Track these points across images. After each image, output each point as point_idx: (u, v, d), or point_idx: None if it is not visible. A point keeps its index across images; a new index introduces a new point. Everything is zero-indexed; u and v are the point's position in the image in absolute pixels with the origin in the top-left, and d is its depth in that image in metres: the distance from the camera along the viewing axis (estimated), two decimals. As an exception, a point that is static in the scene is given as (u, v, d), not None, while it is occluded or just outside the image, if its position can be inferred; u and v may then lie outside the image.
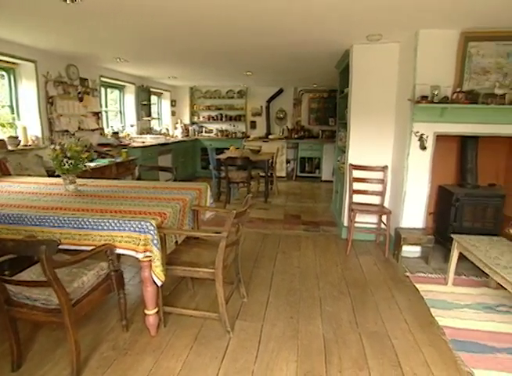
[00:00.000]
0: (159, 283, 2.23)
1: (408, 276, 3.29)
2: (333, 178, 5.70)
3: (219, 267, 2.30)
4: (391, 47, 3.97)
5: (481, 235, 3.12)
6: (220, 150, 7.31)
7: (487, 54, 3.40)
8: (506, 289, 2.39)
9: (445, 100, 3.34)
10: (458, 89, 3.37)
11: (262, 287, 3.08)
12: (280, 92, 8.81)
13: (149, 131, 7.68)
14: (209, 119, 9.15)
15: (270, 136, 8.72)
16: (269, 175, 6.77)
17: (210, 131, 9.23)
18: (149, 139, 6.90)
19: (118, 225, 2.20)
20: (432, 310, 2.72)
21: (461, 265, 3.16)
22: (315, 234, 4.51)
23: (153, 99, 8.11)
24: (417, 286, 3.09)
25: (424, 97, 3.37)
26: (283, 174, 8.50)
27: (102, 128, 5.92)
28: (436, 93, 3.35)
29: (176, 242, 2.76)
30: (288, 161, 8.67)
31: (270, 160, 6.75)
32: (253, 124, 9.23)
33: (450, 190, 3.66)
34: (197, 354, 2.22)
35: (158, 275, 2.20)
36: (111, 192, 2.95)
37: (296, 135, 8.71)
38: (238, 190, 6.79)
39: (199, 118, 9.23)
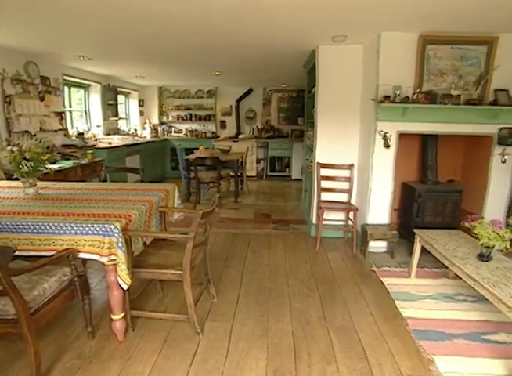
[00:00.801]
0: (125, 287, 2.18)
1: (374, 271, 3.40)
2: (303, 177, 5.78)
3: (187, 268, 2.28)
4: (356, 48, 4.07)
5: (442, 228, 3.27)
6: (190, 150, 7.23)
7: (443, 57, 3.57)
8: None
9: (406, 100, 3.47)
10: (418, 90, 3.51)
11: (232, 287, 3.09)
12: (250, 91, 8.83)
13: (117, 131, 7.48)
14: (178, 119, 9.03)
15: (240, 136, 8.72)
16: (239, 174, 6.78)
17: (180, 131, 9.11)
18: (116, 140, 6.72)
19: (81, 228, 2.13)
20: (397, 302, 2.82)
21: (424, 258, 3.29)
22: (285, 232, 4.56)
23: (120, 98, 7.90)
24: (383, 280, 3.20)
25: (387, 97, 3.49)
26: (254, 173, 8.54)
27: (66, 129, 5.69)
28: (398, 93, 3.47)
29: (144, 243, 2.71)
30: (258, 161, 8.71)
31: (240, 160, 6.77)
32: (223, 124, 9.19)
33: (413, 187, 3.81)
34: (166, 357, 2.19)
35: (124, 278, 2.15)
36: (74, 195, 2.85)
37: (266, 135, 8.76)
38: (208, 191, 6.76)
39: (168, 118, 9.08)
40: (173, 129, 9.14)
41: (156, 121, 8.97)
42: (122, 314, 2.30)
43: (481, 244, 2.50)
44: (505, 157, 3.68)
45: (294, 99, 8.87)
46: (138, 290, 2.88)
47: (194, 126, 9.09)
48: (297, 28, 3.46)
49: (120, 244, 2.10)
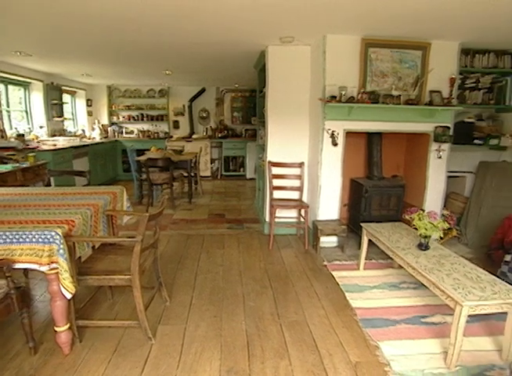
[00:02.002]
0: (68, 296, 2.07)
1: (325, 265, 3.52)
2: (256, 176, 5.84)
3: (135, 272, 2.21)
4: (303, 49, 4.17)
5: (387, 221, 3.46)
6: (142, 151, 7.01)
7: (384, 59, 3.76)
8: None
9: (351, 100, 3.62)
10: (362, 90, 3.68)
11: (185, 289, 3.05)
12: (203, 91, 8.76)
13: (63, 132, 7.06)
14: (129, 119, 8.72)
15: (194, 136, 8.62)
16: (193, 175, 6.71)
17: (132, 131, 8.81)
18: (61, 142, 6.34)
19: (17, 237, 1.99)
20: (346, 294, 2.94)
21: (372, 251, 3.47)
22: (239, 231, 4.58)
23: (66, 97, 7.47)
24: (333, 273, 3.32)
25: (333, 97, 3.62)
26: (208, 173, 8.49)
27: (4, 130, 5.28)
28: (343, 93, 3.61)
29: (93, 247, 2.60)
30: (212, 161, 8.67)
31: (193, 160, 6.69)
32: (176, 124, 9.02)
33: (360, 183, 3.98)
34: (116, 367, 2.11)
35: (67, 287, 2.04)
36: (11, 201, 2.66)
37: (220, 135, 8.73)
38: (162, 192, 6.60)
39: (118, 118, 8.73)
40: (124, 130, 8.82)
41: (105, 121, 8.60)
42: (67, 325, 2.18)
43: (420, 235, 2.68)
44: (440, 153, 3.96)
45: (247, 98, 8.92)
46: (85, 298, 2.74)
47: (146, 126, 8.83)
48: (245, 28, 3.48)
49: (61, 252, 1.99)
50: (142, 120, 8.74)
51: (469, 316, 2.04)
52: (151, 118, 8.77)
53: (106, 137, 8.28)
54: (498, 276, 2.83)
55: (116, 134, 8.65)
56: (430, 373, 2.07)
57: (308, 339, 2.38)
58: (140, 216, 2.22)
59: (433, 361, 2.17)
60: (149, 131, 8.81)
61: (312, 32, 3.62)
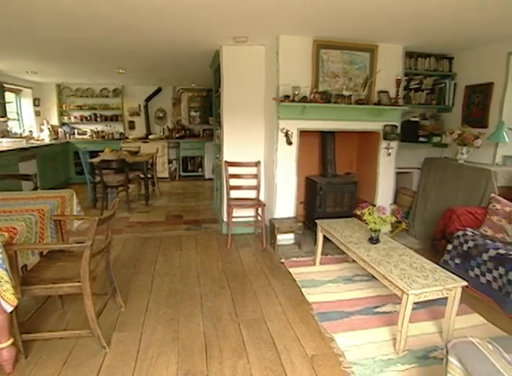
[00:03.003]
0: (9, 309, 1.93)
1: (283, 263, 3.57)
2: (214, 176, 5.81)
3: (86, 279, 2.12)
4: (258, 49, 4.20)
5: (341, 218, 3.58)
6: (95, 153, 6.73)
7: (335, 60, 3.89)
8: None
9: (304, 100, 3.70)
10: (315, 90, 3.77)
11: (141, 293, 2.97)
12: (159, 91, 8.56)
13: (6, 134, 6.59)
14: (82, 119, 8.30)
15: (150, 136, 8.40)
16: (150, 176, 6.54)
17: (84, 132, 8.39)
18: (5, 143, 5.94)
19: None
20: (303, 290, 3.01)
21: (328, 246, 3.57)
22: (197, 232, 4.54)
23: (10, 96, 6.96)
24: (291, 270, 3.38)
25: (287, 97, 3.68)
26: (166, 174, 8.32)
27: None
28: (297, 93, 3.68)
29: (41, 254, 2.46)
30: (170, 161, 8.51)
31: (150, 161, 6.53)
32: (131, 125, 8.73)
33: (315, 180, 4.09)
34: (65, 379, 2.01)
35: (8, 299, 1.90)
36: None
37: (177, 135, 8.58)
38: (117, 195, 6.38)
39: (70, 119, 8.27)
40: (76, 131, 8.39)
41: (55, 122, 8.12)
42: (9, 341, 2.04)
43: (370, 229, 2.79)
44: (389, 151, 4.17)
45: (205, 98, 8.84)
46: (31, 309, 2.59)
47: (100, 127, 8.46)
48: (198, 27, 3.44)
49: (0, 262, 1.86)
50: (96, 120, 8.36)
51: (415, 303, 2.17)
52: (105, 119, 8.42)
53: (56, 138, 7.84)
54: (441, 265, 3.05)
55: (67, 135, 8.20)
56: (380, 360, 2.18)
57: (266, 336, 2.41)
58: (89, 220, 2.13)
59: (383, 348, 2.29)
60: (103, 132, 8.45)
61: (266, 33, 3.66)
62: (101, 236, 2.45)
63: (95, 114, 8.35)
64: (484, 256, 2.95)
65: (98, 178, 5.58)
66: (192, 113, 8.96)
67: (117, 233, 4.43)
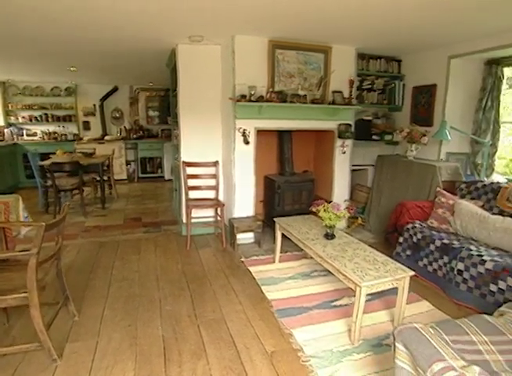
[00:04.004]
0: None
1: (243, 262, 3.59)
2: (173, 177, 5.72)
3: (33, 289, 2.00)
4: (214, 49, 4.18)
5: (300, 215, 3.64)
6: (47, 155, 6.39)
7: (291, 60, 3.95)
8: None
9: (260, 99, 3.73)
10: (271, 90, 3.81)
11: (97, 300, 2.85)
12: (115, 90, 8.27)
13: None
14: (31, 120, 7.81)
15: (106, 137, 8.09)
16: (107, 178, 6.32)
17: (35, 133, 7.92)
18: None
19: None
20: (263, 288, 3.04)
21: (287, 244, 3.61)
22: (157, 235, 4.45)
23: None
24: (250, 269, 3.40)
25: (243, 96, 3.69)
26: (124, 176, 8.07)
27: None
28: (253, 93, 3.70)
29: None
30: (128, 163, 8.26)
31: (106, 163, 6.30)
32: (86, 125, 8.36)
33: (273, 179, 4.14)
34: (10, 398, 1.89)
35: None
36: None
37: (135, 135, 8.35)
38: (72, 199, 6.10)
39: (17, 119, 7.76)
40: (25, 132, 7.89)
41: (1, 122, 7.60)
42: None
43: (325, 225, 2.88)
44: (344, 149, 4.31)
45: (163, 98, 8.66)
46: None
47: (52, 128, 8.00)
48: (151, 25, 3.34)
49: None
50: (47, 121, 7.90)
51: (369, 294, 2.26)
52: (57, 119, 7.98)
53: (1, 140, 7.34)
54: (394, 257, 3.20)
55: (15, 136, 7.70)
56: (337, 351, 2.25)
57: (226, 336, 2.41)
58: (36, 226, 2.02)
59: (340, 340, 2.36)
60: (55, 133, 8.01)
61: (221, 32, 3.64)
62: (51, 243, 2.35)
63: (46, 114, 7.90)
64: (431, 246, 3.14)
65: (50, 182, 5.29)
66: (151, 113, 8.76)
67: (71, 238, 4.24)
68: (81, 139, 8.04)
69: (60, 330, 2.44)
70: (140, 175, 8.35)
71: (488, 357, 1.62)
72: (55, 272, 2.47)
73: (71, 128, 8.17)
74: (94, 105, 8.25)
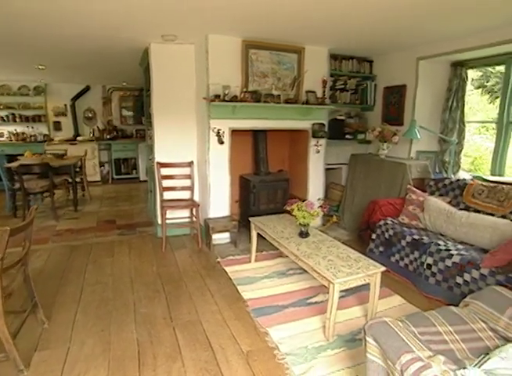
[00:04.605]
0: None
1: (219, 262, 3.58)
2: (148, 178, 5.64)
3: (-4, 296, 1.93)
4: (188, 48, 4.15)
5: (275, 214, 3.66)
6: (15, 157, 6.15)
7: (264, 60, 3.97)
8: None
9: (234, 99, 3.72)
10: (245, 89, 3.81)
11: (69, 306, 2.78)
12: (87, 89, 8.05)
13: None
14: (-3, 120, 7.53)
15: (79, 138, 7.87)
16: (79, 180, 6.16)
17: (1, 134, 7.61)
18: None
19: None
20: (239, 287, 3.04)
21: (263, 243, 3.60)
22: (131, 237, 4.37)
23: None
24: (226, 269, 3.40)
25: (217, 96, 3.68)
26: (98, 178, 7.88)
27: None
28: (227, 92, 3.70)
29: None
30: (102, 164, 8.07)
31: (79, 164, 6.14)
32: (57, 126, 8.09)
33: (248, 179, 4.15)
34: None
35: None
36: None
37: (108, 136, 8.16)
38: (42, 202, 5.91)
39: (-19, 119, 7.47)
40: (-10, 132, 7.59)
41: (-39, 122, 7.28)
42: None
43: (299, 224, 2.91)
44: (318, 148, 4.38)
45: (137, 97, 8.49)
46: None
47: (20, 128, 7.70)
48: (123, 23, 3.27)
49: None
50: (15, 121, 7.59)
51: (344, 290, 2.30)
52: (26, 119, 7.69)
53: (-36, 142, 7.02)
54: (367, 253, 3.28)
55: (-22, 137, 7.39)
56: (312, 347, 2.28)
57: (202, 337, 2.40)
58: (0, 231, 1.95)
59: (315, 336, 2.40)
60: (23, 133, 7.71)
61: (194, 32, 3.62)
62: (19, 248, 2.27)
63: (13, 114, 7.59)
64: (403, 242, 3.23)
65: (18, 185, 5.10)
66: (125, 113, 8.58)
67: (42, 242, 4.11)
68: (52, 139, 7.79)
69: (29, 338, 2.36)
70: (114, 177, 8.17)
71: (453, 346, 1.69)
72: (23, 279, 2.39)
73: (41, 129, 7.89)
74: (65, 105, 8.01)
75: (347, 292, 2.86)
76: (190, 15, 3.02)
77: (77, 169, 6.17)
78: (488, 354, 1.54)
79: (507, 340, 1.69)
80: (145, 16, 3.07)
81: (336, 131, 4.75)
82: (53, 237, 4.36)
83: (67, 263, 3.58)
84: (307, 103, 4.13)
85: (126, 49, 4.39)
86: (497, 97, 4.18)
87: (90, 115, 8.35)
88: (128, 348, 2.29)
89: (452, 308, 1.97)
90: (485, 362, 1.48)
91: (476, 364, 1.51)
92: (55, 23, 3.27)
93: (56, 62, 5.33)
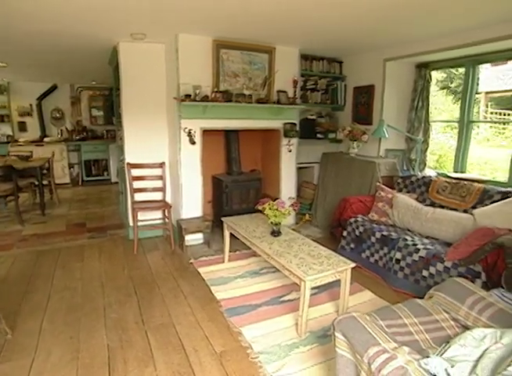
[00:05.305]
0: None
1: (192, 263, 3.55)
2: (119, 179, 5.52)
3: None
4: (157, 47, 4.09)
5: (248, 214, 3.67)
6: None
7: (235, 60, 3.97)
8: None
9: (205, 99, 3.70)
10: (215, 89, 3.80)
11: (35, 314, 2.67)
12: (54, 88, 7.76)
13: None
14: (-46, 120, 7.16)
15: (46, 139, 7.60)
16: (47, 183, 5.94)
17: (-40, 135, 7.26)
18: None
19: None
20: (212, 288, 3.03)
21: (236, 242, 3.60)
22: (102, 240, 4.26)
23: None
24: (200, 270, 3.38)
25: (188, 96, 3.64)
26: (67, 180, 7.62)
27: None
28: (198, 92, 3.67)
29: None
30: (71, 166, 7.82)
31: (46, 166, 5.92)
32: (22, 126, 7.77)
33: (221, 179, 4.14)
34: None
35: None
36: None
37: (77, 137, 7.91)
38: (6, 206, 5.66)
39: None
40: None
41: None
42: None
43: (271, 223, 2.93)
44: (290, 147, 4.42)
45: (107, 97, 8.28)
46: None
47: (-19, 129, 7.39)
48: (88, 19, 3.15)
49: None
50: (-25, 121, 7.28)
51: (316, 287, 2.33)
52: (-13, 119, 7.38)
53: None
54: (339, 251, 3.35)
55: None
56: (285, 345, 2.31)
57: (174, 340, 2.38)
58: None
59: (288, 334, 2.43)
60: (-16, 135, 7.39)
61: (164, 31, 3.56)
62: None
63: (-27, 114, 7.25)
64: (372, 239, 3.32)
65: (-21, 189, 4.86)
66: (95, 113, 8.35)
67: (5, 249, 3.95)
68: (16, 141, 7.47)
69: (-10, 351, 2.26)
70: (85, 179, 7.93)
71: (417, 337, 1.75)
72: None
73: (4, 129, 7.56)
74: (30, 104, 7.70)
75: (319, 289, 2.91)
76: (160, 14, 2.97)
77: (45, 171, 5.94)
78: (448, 342, 1.61)
79: (466, 328, 1.77)
80: (113, 14, 2.99)
81: (307, 130, 4.82)
82: (18, 243, 4.18)
83: (34, 269, 3.45)
84: (278, 102, 4.16)
85: (94, 48, 4.26)
86: (460, 98, 4.37)
87: (58, 115, 8.06)
88: (97, 355, 2.23)
89: (418, 300, 2.04)
90: (446, 350, 1.55)
91: (438, 353, 1.58)
92: (13, 17, 3.11)
93: (20, 60, 5.11)
